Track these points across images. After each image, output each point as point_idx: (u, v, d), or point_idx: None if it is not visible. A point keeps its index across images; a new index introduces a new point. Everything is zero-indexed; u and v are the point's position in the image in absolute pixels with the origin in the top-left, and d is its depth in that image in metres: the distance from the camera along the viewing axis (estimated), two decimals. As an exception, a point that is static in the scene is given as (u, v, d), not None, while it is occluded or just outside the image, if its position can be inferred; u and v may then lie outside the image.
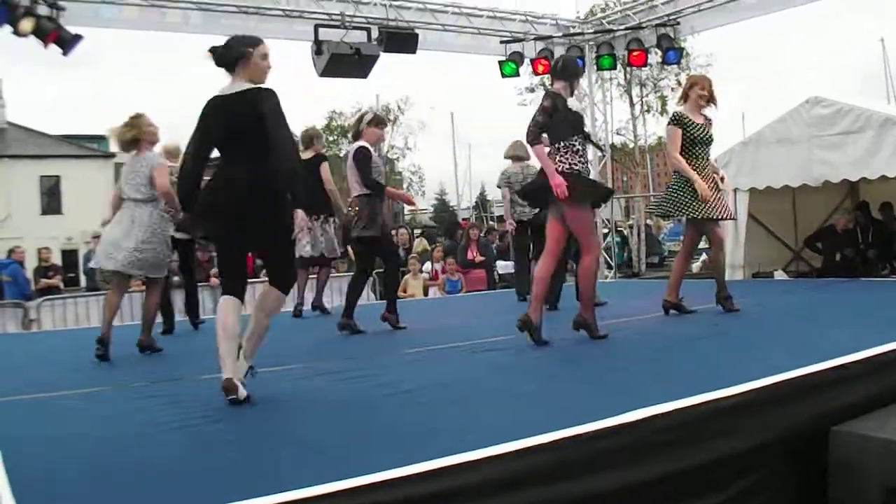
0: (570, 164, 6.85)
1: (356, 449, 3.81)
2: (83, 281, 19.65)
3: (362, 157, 8.38)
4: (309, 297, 10.80)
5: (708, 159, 8.16)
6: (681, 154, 8.00)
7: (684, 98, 8.23)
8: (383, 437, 4.03)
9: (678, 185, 8.02)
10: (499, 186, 11.32)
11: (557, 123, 6.89)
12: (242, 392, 4.80)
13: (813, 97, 12.04)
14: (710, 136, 8.14)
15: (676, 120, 8.07)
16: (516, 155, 10.90)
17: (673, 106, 31.62)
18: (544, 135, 6.90)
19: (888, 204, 13.13)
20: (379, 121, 8.97)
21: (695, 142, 8.02)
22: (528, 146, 7.17)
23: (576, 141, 6.91)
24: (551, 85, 7.35)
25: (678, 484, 3.78)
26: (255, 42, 5.22)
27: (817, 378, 4.62)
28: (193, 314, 10.12)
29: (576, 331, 6.95)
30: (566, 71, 7.20)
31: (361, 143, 8.53)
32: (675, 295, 8.21)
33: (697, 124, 8.04)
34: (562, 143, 6.91)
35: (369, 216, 8.25)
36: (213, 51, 5.17)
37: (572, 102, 7.05)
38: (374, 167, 8.44)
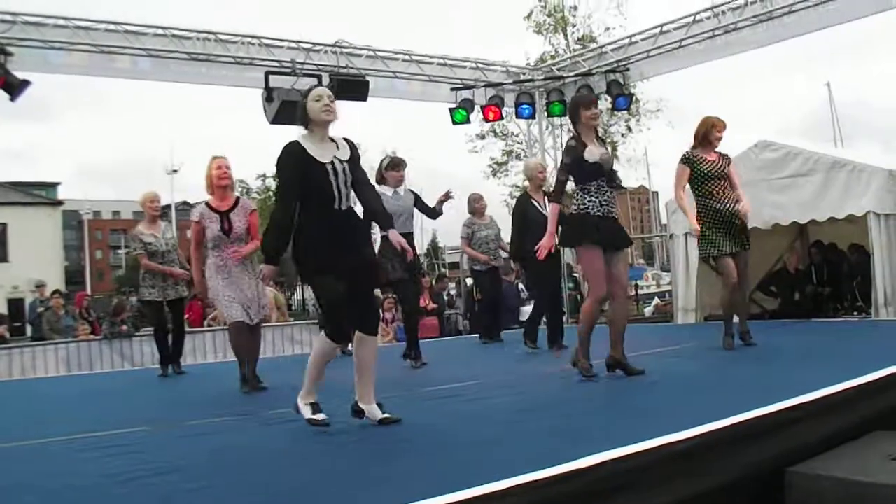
0: (578, 205, 6.90)
1: (302, 498, 3.74)
2: (29, 331, 19.30)
3: None
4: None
5: (724, 194, 8.27)
6: (693, 191, 8.33)
7: (700, 139, 8.39)
8: (338, 485, 3.95)
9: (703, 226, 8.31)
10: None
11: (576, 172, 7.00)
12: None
13: (762, 141, 12.23)
14: (723, 172, 8.30)
15: (685, 159, 8.35)
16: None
17: (623, 151, 32.09)
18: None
19: (833, 244, 13.31)
20: (394, 164, 9.30)
21: (706, 178, 8.23)
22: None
23: (591, 183, 6.91)
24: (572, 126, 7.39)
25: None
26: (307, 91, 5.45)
27: (772, 419, 4.60)
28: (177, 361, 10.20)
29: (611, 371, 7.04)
30: (571, 112, 7.21)
31: (381, 188, 8.72)
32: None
33: (708, 160, 8.26)
34: (580, 186, 7.01)
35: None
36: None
37: (590, 151, 6.97)
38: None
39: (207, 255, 7.93)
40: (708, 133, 8.34)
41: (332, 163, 5.24)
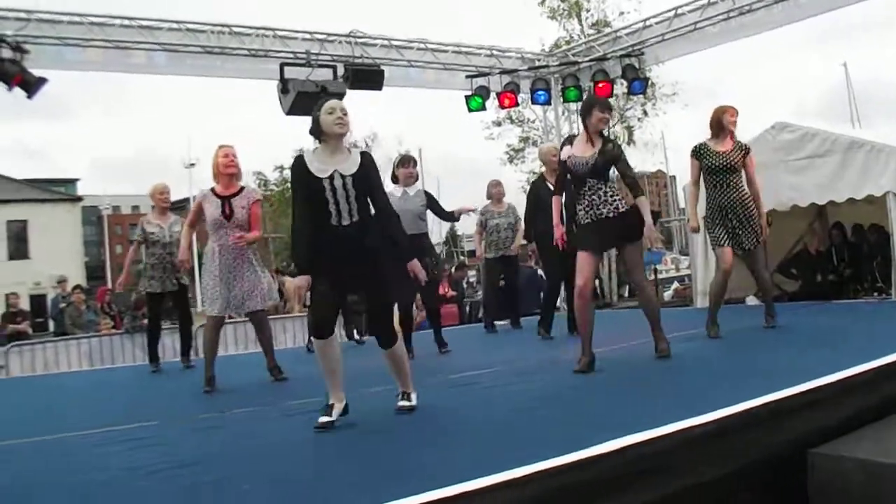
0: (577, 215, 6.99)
1: (335, 489, 3.75)
2: (52, 326, 19.39)
3: None
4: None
5: (730, 188, 8.31)
6: (703, 181, 8.40)
7: (714, 127, 8.40)
8: (360, 475, 3.96)
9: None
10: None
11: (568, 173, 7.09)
12: None
13: (779, 123, 12.14)
14: (733, 164, 8.29)
15: (695, 151, 8.39)
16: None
17: (640, 135, 32.01)
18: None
19: (859, 226, 13.22)
20: (402, 161, 9.41)
21: (711, 171, 8.29)
22: None
23: (582, 189, 6.92)
24: None
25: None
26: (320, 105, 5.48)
27: (792, 402, 4.60)
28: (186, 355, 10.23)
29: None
30: (585, 109, 7.17)
31: (390, 187, 8.72)
32: None
33: (718, 152, 8.28)
34: (575, 191, 7.08)
35: None
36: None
37: (564, 151, 7.09)
38: None
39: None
40: (721, 120, 8.34)
41: (331, 177, 5.22)
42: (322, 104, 5.41)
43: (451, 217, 9.71)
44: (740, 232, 8.27)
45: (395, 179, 9.20)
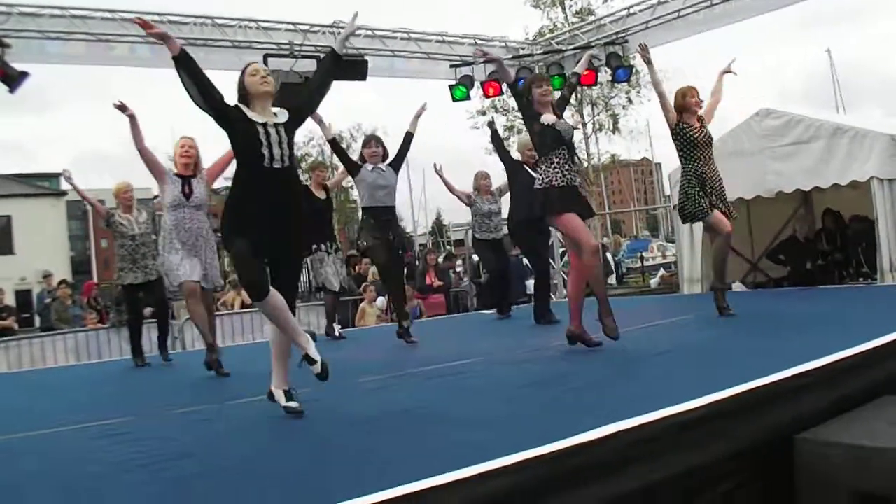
0: (542, 179, 7.00)
1: (325, 479, 3.75)
2: (38, 321, 19.33)
3: None
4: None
5: (712, 160, 8.59)
6: (682, 157, 8.55)
7: (680, 109, 8.59)
8: (346, 467, 3.96)
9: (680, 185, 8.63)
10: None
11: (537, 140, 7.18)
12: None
13: (763, 109, 12.20)
14: (709, 139, 8.58)
15: (673, 130, 8.62)
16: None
17: (625, 123, 32.04)
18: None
19: (839, 215, 13.30)
20: (364, 142, 9.77)
21: (695, 145, 8.45)
22: None
23: (553, 155, 6.99)
24: None
25: (644, 500, 3.75)
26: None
27: (779, 387, 4.62)
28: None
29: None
30: (525, 93, 7.35)
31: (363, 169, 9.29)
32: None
33: (694, 127, 8.48)
34: (544, 157, 7.12)
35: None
36: None
37: (546, 116, 7.14)
38: (359, 182, 9.33)
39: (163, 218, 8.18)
40: (683, 101, 8.56)
41: (265, 124, 5.32)
42: (244, 68, 5.53)
43: (410, 135, 9.77)
44: (719, 205, 8.38)
45: (362, 159, 9.36)
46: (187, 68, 5.38)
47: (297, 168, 5.69)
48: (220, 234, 5.75)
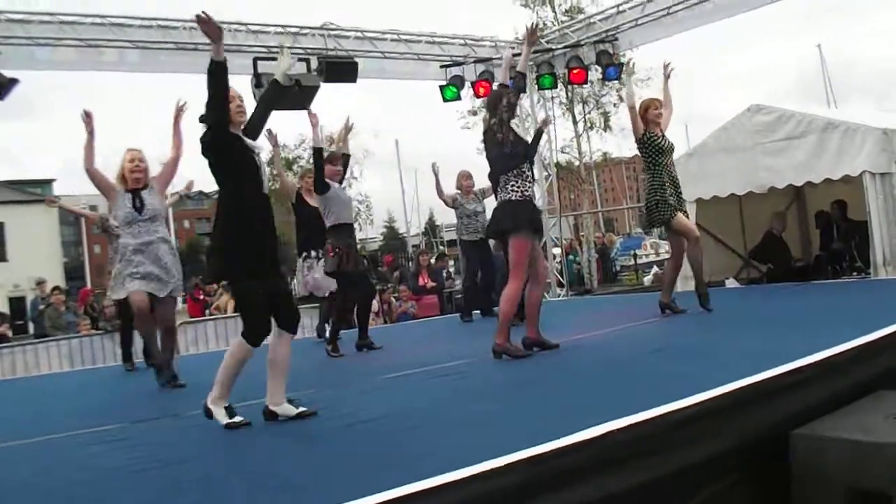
0: (521, 191, 6.97)
1: (319, 483, 3.74)
2: (31, 328, 19.30)
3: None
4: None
5: (673, 166, 9.01)
6: (650, 164, 8.88)
7: (645, 120, 8.99)
8: (345, 469, 3.95)
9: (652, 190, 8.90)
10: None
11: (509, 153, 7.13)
12: None
13: (754, 105, 12.20)
14: (671, 145, 8.99)
15: (644, 135, 8.94)
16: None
17: (616, 121, 32.05)
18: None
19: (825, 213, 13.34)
20: (330, 158, 9.38)
21: (662, 151, 8.84)
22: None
23: (524, 167, 7.02)
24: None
25: (640, 498, 3.74)
26: None
27: (774, 383, 4.61)
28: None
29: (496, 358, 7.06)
30: (494, 103, 7.41)
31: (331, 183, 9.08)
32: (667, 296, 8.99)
33: (658, 135, 8.90)
34: (517, 171, 7.07)
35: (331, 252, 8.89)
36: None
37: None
38: (332, 199, 9.00)
39: (116, 241, 7.92)
40: (647, 113, 8.97)
41: (258, 153, 5.46)
42: None
43: (348, 157, 9.81)
44: (684, 210, 8.97)
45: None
46: (223, 77, 5.32)
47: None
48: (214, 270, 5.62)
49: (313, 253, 10.18)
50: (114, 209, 7.95)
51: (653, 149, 8.83)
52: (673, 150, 9.00)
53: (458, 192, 11.65)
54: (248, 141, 5.37)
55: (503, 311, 7.09)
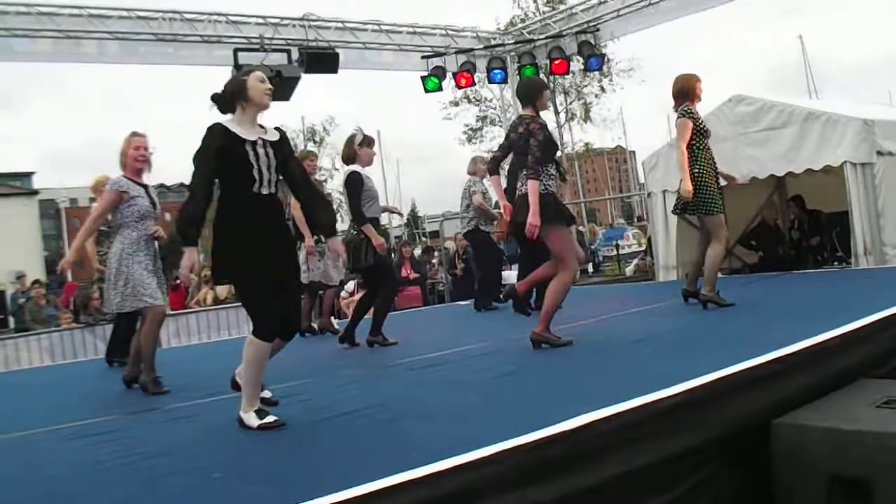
0: (545, 185, 6.85)
1: (297, 476, 3.73)
2: (12, 322, 19.17)
3: (351, 182, 8.28)
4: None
5: (711, 149, 8.41)
6: (689, 146, 8.22)
7: (689, 94, 8.37)
8: (324, 462, 3.94)
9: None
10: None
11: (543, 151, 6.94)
12: None
13: (736, 95, 12.22)
14: (709, 129, 8.45)
15: (688, 112, 8.27)
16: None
17: (598, 111, 32.06)
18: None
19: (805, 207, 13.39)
20: (370, 140, 8.76)
21: (704, 133, 8.31)
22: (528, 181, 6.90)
23: (550, 166, 6.94)
24: (524, 110, 7.23)
25: (624, 488, 3.74)
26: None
27: (755, 372, 4.62)
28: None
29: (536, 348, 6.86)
30: (533, 93, 7.17)
31: (354, 167, 8.39)
32: (710, 287, 8.20)
33: (699, 117, 8.34)
34: (541, 167, 6.95)
35: (358, 247, 8.20)
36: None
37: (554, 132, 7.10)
38: (367, 191, 8.29)
39: (121, 231, 7.29)
40: (694, 88, 8.38)
41: (254, 143, 4.93)
42: (250, 70, 5.17)
43: None
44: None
45: (351, 159, 8.66)
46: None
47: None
48: (215, 273, 5.42)
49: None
50: (123, 207, 7.16)
51: (696, 129, 8.24)
52: (708, 132, 8.41)
53: (472, 175, 11.41)
54: (242, 134, 4.93)
55: (553, 302, 6.99)
